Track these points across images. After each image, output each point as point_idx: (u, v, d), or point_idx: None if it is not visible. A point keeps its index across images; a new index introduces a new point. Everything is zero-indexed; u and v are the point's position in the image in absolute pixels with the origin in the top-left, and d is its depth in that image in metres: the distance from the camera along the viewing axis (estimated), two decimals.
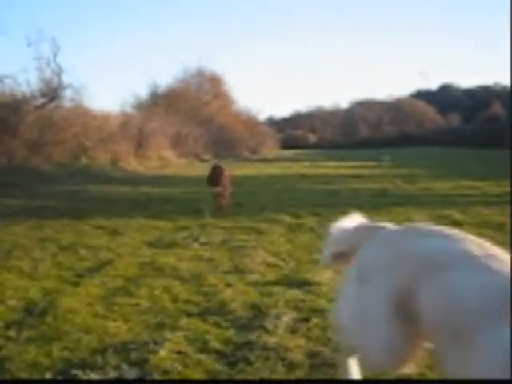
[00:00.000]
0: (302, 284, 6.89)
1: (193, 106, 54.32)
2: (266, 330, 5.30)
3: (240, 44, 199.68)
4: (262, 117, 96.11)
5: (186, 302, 6.30)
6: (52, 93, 28.64)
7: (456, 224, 11.40)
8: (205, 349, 4.94)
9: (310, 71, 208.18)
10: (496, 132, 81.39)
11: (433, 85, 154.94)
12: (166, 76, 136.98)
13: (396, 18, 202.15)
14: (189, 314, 5.85)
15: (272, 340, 5.05)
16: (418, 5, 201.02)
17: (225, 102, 65.56)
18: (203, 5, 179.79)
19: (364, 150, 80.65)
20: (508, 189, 18.38)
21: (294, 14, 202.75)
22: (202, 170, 25.37)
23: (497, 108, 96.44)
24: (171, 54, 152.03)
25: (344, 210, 11.97)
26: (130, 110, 46.65)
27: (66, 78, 29.75)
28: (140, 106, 48.63)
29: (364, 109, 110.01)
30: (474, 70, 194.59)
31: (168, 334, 5.20)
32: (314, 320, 5.58)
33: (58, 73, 29.14)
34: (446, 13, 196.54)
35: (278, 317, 5.65)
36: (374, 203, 15.35)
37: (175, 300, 6.36)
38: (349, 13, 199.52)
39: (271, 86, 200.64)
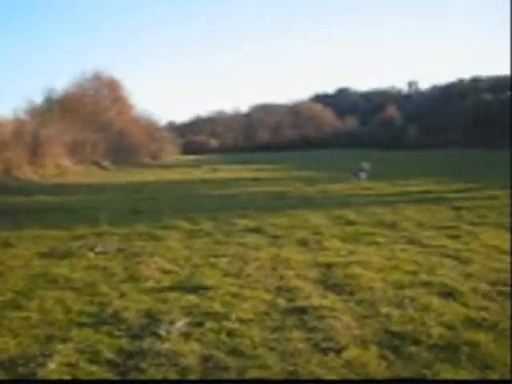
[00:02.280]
0: (197, 289, 6.90)
1: (90, 112, 52.93)
2: (160, 337, 5.28)
3: (140, 49, 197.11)
4: (163, 122, 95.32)
5: (79, 312, 6.17)
6: None
7: (350, 224, 11.81)
8: (96, 359, 4.87)
9: (210, 76, 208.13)
10: (391, 134, 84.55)
11: (330, 88, 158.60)
12: (61, 80, 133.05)
13: (294, 21, 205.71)
14: (81, 325, 5.74)
15: (165, 346, 5.04)
16: (312, 8, 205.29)
17: (123, 107, 64.43)
18: (99, 9, 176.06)
19: (265, 153, 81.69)
20: (401, 188, 19.16)
21: (194, 20, 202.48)
22: (100, 177, 24.88)
23: (392, 111, 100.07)
24: (67, 58, 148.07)
25: (241, 214, 12.23)
26: (23, 116, 44.83)
27: None
28: (34, 112, 46.81)
29: (264, 113, 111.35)
30: (371, 73, 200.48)
31: (58, 347, 5.09)
32: (208, 324, 5.62)
33: None
34: (342, 16, 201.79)
35: (171, 323, 5.64)
36: (272, 206, 15.59)
37: (67, 311, 6.21)
38: (245, 18, 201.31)
39: (171, 91, 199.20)
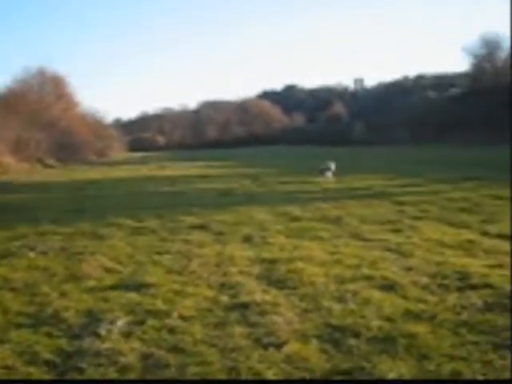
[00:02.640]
0: (140, 287, 6.84)
1: (34, 109, 51.89)
2: (99, 336, 5.21)
3: (85, 46, 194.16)
4: (109, 119, 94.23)
5: (18, 313, 6.05)
6: None
7: (295, 220, 11.88)
8: (34, 360, 4.78)
9: (157, 73, 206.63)
10: (337, 130, 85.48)
11: (278, 85, 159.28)
12: (3, 77, 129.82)
13: (242, 18, 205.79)
14: (19, 326, 5.62)
15: (105, 346, 4.97)
16: (260, 4, 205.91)
17: (69, 105, 63.53)
18: (44, 3, 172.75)
19: (213, 150, 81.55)
20: (346, 184, 19.37)
21: (141, 17, 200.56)
22: (44, 175, 24.41)
23: (338, 108, 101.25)
24: (10, 54, 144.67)
25: (187, 211, 12.15)
26: None
27: None
28: None
29: (212, 110, 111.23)
30: (318, 70, 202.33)
31: None
32: (150, 322, 5.57)
33: None
34: (289, 13, 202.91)
35: (112, 322, 5.57)
36: (218, 203, 15.57)
37: (6, 312, 6.08)
38: (193, 16, 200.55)
39: (118, 88, 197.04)
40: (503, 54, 77.71)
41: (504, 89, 69.12)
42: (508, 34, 78.78)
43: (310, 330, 5.23)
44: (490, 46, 78.24)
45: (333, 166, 23.28)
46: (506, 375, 4.20)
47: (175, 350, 4.90)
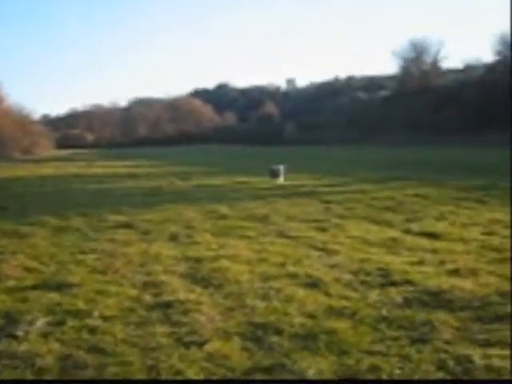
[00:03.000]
0: (61, 286, 6.69)
1: None
2: (16, 338, 5.05)
3: (12, 41, 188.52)
4: (36, 115, 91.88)
5: None
6: None
7: (223, 218, 11.86)
8: None
9: (87, 68, 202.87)
10: (269, 130, 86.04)
11: (210, 84, 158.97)
12: None
13: (174, 17, 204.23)
14: None
15: (22, 348, 4.84)
16: (192, 3, 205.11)
17: None
18: None
19: (143, 148, 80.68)
20: (277, 184, 19.45)
21: (72, 12, 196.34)
22: None
23: (270, 107, 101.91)
24: None
25: (114, 210, 11.95)
26: None
27: None
28: None
29: (143, 107, 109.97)
30: (250, 70, 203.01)
31: None
32: (70, 322, 5.45)
33: None
34: (221, 12, 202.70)
35: (30, 323, 5.42)
36: (146, 201, 15.42)
37: None
38: (125, 12, 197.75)
39: (45, 84, 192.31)
40: (429, 58, 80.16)
41: (430, 91, 71.31)
42: (434, 38, 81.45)
43: (232, 328, 5.23)
44: (418, 50, 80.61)
45: (282, 169, 21.82)
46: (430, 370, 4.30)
47: (95, 350, 4.81)
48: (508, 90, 55.30)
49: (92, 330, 5.25)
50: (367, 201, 14.29)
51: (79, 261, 8.13)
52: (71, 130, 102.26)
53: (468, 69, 77.84)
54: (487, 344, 4.71)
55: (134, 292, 6.46)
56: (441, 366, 4.35)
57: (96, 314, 5.66)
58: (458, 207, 12.70)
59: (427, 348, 4.67)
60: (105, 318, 5.55)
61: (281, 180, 21.17)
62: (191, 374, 4.29)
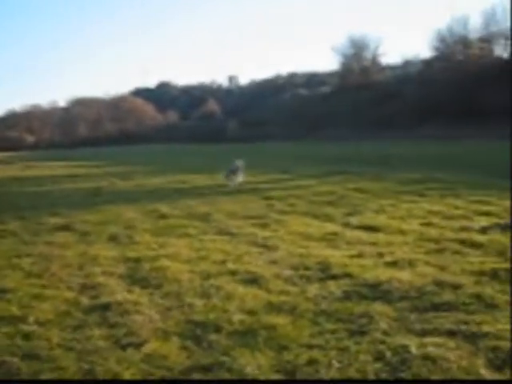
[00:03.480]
0: None
1: None
2: None
3: None
4: None
5: None
6: None
7: (163, 217, 11.75)
8: None
9: (23, 68, 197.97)
10: (212, 127, 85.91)
11: (151, 83, 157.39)
12: None
13: (112, 15, 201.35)
14: None
15: None
16: (136, 3, 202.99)
17: None
18: None
19: (84, 148, 79.40)
20: (217, 181, 19.38)
21: (12, 13, 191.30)
22: None
23: (212, 105, 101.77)
24: None
25: (52, 212, 11.66)
26: None
27: None
28: None
29: (83, 107, 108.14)
30: (192, 68, 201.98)
31: None
32: (4, 329, 5.31)
33: None
34: (161, 12, 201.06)
35: None
36: (85, 202, 15.15)
37: None
38: (65, 10, 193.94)
39: None
40: (369, 54, 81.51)
41: (370, 87, 72.56)
42: (373, 34, 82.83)
43: (171, 328, 5.18)
44: (358, 47, 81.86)
45: (241, 163, 18.57)
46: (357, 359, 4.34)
47: (29, 356, 4.69)
48: (446, 84, 56.71)
49: (27, 336, 5.12)
50: (308, 196, 14.38)
51: (15, 265, 7.92)
52: (9, 132, 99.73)
53: (407, 64, 79.54)
54: (423, 333, 4.80)
55: (70, 295, 6.33)
56: (378, 357, 4.40)
57: (31, 319, 5.52)
58: (398, 200, 12.90)
59: (365, 339, 4.73)
60: (40, 323, 5.42)
61: (239, 180, 18.01)
62: (128, 376, 4.23)
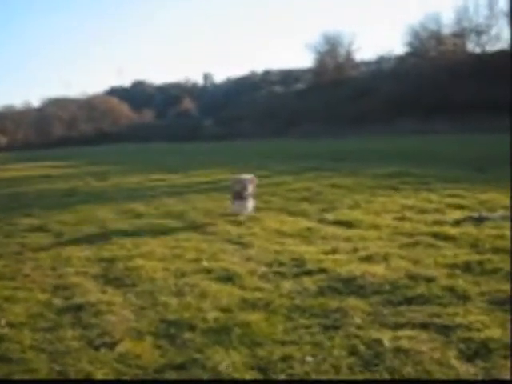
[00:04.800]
0: None
1: None
2: None
3: None
4: None
5: None
6: None
7: (139, 216, 11.70)
8: None
9: None
10: (188, 126, 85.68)
11: (126, 82, 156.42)
12: None
13: (85, 13, 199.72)
14: None
15: None
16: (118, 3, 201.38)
17: None
18: None
19: (59, 149, 78.72)
20: (193, 179, 19.36)
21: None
22: None
23: (187, 103, 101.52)
24: None
25: (26, 213, 11.54)
26: None
27: None
28: None
29: (57, 107, 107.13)
30: (166, 67, 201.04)
31: None
32: None
33: None
34: (135, 10, 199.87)
35: None
36: (61, 202, 15.03)
37: None
38: (37, 9, 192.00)
39: None
40: (343, 50, 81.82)
41: (345, 83, 72.90)
42: (347, 31, 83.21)
43: (145, 327, 5.16)
44: (331, 43, 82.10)
45: (250, 178, 11.87)
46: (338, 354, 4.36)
47: (1, 359, 4.64)
48: (420, 79, 57.21)
49: None
50: (284, 193, 14.39)
51: None
52: None
53: (381, 60, 79.96)
54: (396, 326, 4.84)
55: (43, 296, 6.27)
56: (352, 351, 4.43)
57: (3, 321, 5.46)
58: (373, 195, 12.96)
59: (339, 334, 4.75)
60: (12, 326, 5.37)
61: (249, 207, 11.50)
62: (101, 376, 4.21)
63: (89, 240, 9.48)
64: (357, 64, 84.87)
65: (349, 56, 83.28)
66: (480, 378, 3.89)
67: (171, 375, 4.20)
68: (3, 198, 17.21)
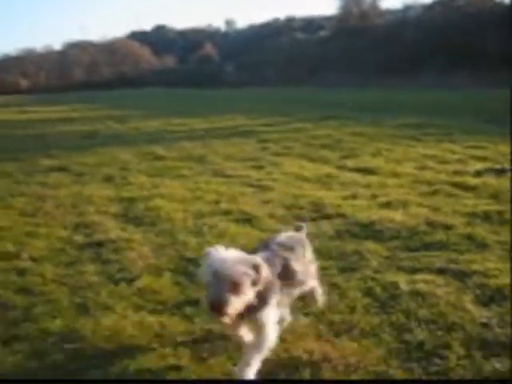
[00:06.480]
0: None
1: None
2: None
3: None
4: None
5: None
6: None
7: (159, 159, 11.74)
8: None
9: (17, 11, 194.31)
10: (209, 71, 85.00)
11: (147, 26, 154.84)
12: None
13: None
14: None
15: None
16: None
17: None
18: None
19: (80, 92, 78.63)
20: (214, 124, 19.28)
21: None
22: None
23: (209, 49, 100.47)
24: None
25: (47, 154, 11.61)
26: None
27: None
28: None
29: (78, 51, 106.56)
30: (188, 12, 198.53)
31: None
32: None
33: None
34: None
35: None
36: (81, 144, 15.05)
37: None
38: None
39: None
40: None
41: (369, 31, 71.54)
42: None
43: (164, 264, 5.22)
44: None
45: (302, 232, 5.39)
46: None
47: (23, 291, 4.74)
48: (445, 29, 56.00)
49: (21, 272, 5.16)
50: (305, 139, 14.30)
51: (8, 204, 7.95)
52: (4, 76, 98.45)
53: (407, 9, 78.32)
54: (413, 270, 4.86)
55: (64, 233, 6.37)
56: (368, 292, 4.46)
57: (25, 255, 5.56)
58: (394, 144, 12.84)
59: (356, 276, 4.79)
60: (34, 259, 5.47)
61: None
62: (120, 309, 4.27)
63: (109, 180, 9.57)
64: (382, 12, 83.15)
65: (374, 3, 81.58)
66: (494, 321, 3.90)
67: (189, 311, 4.25)
68: (24, 140, 17.28)
